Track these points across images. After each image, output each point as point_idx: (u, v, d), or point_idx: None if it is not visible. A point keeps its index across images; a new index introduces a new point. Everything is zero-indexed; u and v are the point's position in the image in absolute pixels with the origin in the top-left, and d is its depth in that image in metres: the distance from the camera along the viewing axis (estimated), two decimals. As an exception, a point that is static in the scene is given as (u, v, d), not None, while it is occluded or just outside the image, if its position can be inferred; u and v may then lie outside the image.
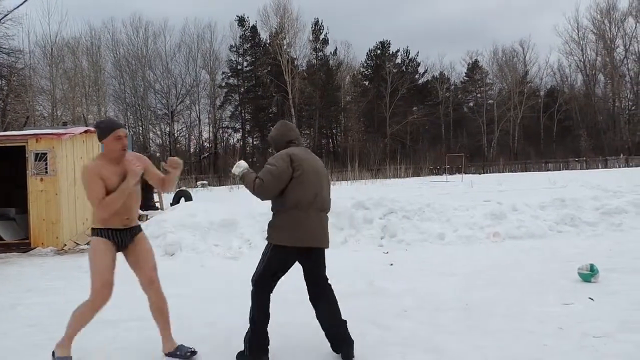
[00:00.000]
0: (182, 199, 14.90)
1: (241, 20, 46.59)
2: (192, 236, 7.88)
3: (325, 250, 3.67)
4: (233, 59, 46.84)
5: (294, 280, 3.82)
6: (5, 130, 26.51)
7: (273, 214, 3.42)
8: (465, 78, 53.00)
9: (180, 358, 3.50)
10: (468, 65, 52.04)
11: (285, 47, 43.99)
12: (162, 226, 8.15)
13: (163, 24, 45.30)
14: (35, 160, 9.02)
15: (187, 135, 46.56)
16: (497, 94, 50.21)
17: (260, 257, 3.52)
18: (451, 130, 48.90)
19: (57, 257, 8.34)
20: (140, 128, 43.09)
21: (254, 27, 46.95)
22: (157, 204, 15.36)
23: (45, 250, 8.77)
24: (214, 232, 8.04)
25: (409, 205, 8.81)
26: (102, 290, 3.37)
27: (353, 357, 3.43)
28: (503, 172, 34.94)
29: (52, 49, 36.25)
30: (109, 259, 3.36)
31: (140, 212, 13.19)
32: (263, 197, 3.36)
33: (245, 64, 47.54)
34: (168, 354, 3.53)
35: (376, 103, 46.66)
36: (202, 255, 7.43)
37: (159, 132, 45.27)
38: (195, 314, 4.61)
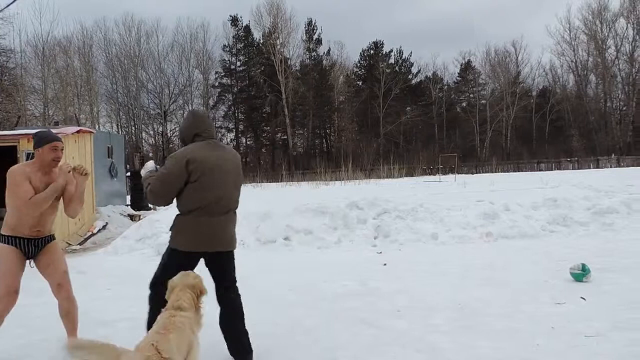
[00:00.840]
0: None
1: (234, 20, 46.50)
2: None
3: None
4: (226, 59, 46.77)
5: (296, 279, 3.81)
6: (-5, 130, 26.24)
7: (176, 216, 3.22)
8: (458, 78, 53.22)
9: None
10: (461, 65, 52.28)
11: (278, 47, 43.95)
12: (154, 226, 8.12)
13: (156, 24, 45.20)
14: (27, 160, 8.93)
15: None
16: (490, 94, 50.46)
17: (160, 259, 3.37)
18: (444, 131, 49.11)
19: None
20: (133, 128, 42.91)
21: (247, 27, 46.88)
22: (150, 205, 15.27)
23: (37, 251, 8.71)
24: (208, 233, 8.02)
25: (403, 206, 8.84)
26: (5, 298, 3.36)
27: None
28: (496, 172, 35.09)
29: (43, 49, 36.01)
30: (14, 265, 3.39)
31: (134, 212, 13.13)
32: (155, 204, 3.28)
33: (238, 63, 47.47)
34: None
35: (370, 103, 46.73)
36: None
37: (151, 132, 45.12)
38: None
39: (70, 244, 9.32)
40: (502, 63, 50.18)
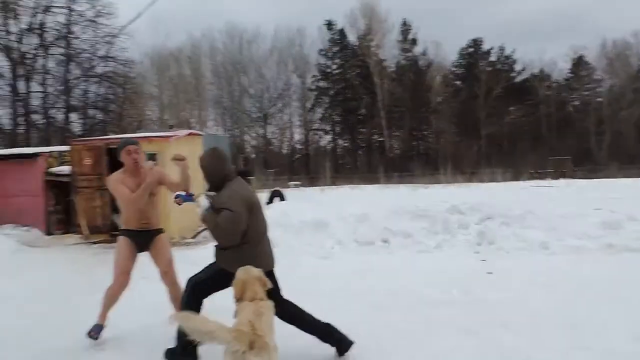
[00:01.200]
0: (277, 199, 15.45)
1: (329, 24, 47.22)
2: (285, 234, 8.14)
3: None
4: (322, 62, 47.64)
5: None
6: (121, 134, 29.38)
7: (232, 248, 3.47)
8: (569, 75, 48.91)
9: None
10: (572, 60, 47.96)
11: (373, 48, 43.83)
12: (258, 224, 8.52)
13: (256, 31, 47.40)
14: (147, 160, 9.87)
15: (279, 137, 48.26)
16: (608, 91, 45.70)
17: (209, 265, 3.69)
18: (554, 132, 45.40)
19: (165, 250, 9.07)
20: (237, 131, 45.44)
21: (342, 30, 47.37)
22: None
23: (155, 243, 9.58)
24: (307, 232, 8.23)
25: (509, 211, 8.34)
26: (119, 277, 4.02)
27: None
28: (616, 177, 31.68)
29: (159, 59, 39.54)
30: (127, 252, 4.03)
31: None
32: (228, 245, 3.47)
33: (334, 66, 48.12)
34: None
35: (469, 103, 44.77)
36: (295, 253, 7.65)
37: (254, 135, 47.41)
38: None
39: (185, 237, 10.12)
40: (621, 56, 45.19)
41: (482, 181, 28.46)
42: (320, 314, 4.53)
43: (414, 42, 47.02)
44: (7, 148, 27.10)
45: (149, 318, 4.43)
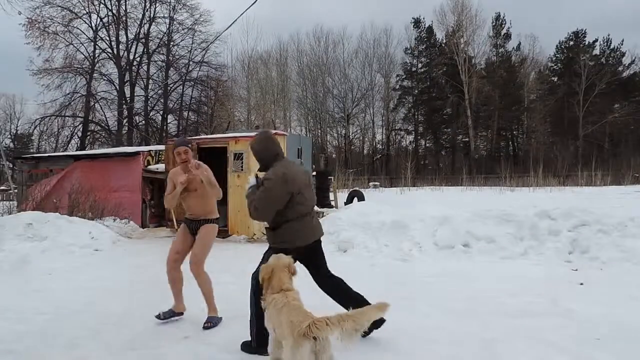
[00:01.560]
0: (355, 199, 15.47)
1: (417, 22, 46.28)
2: (364, 235, 8.14)
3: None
4: (408, 61, 46.82)
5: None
6: (212, 134, 31.15)
7: (274, 226, 3.72)
8: (687, 68, 43.55)
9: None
10: (694, 51, 42.64)
11: (462, 45, 42.22)
12: (336, 223, 8.60)
13: (342, 32, 47.82)
14: (234, 160, 10.38)
15: (361, 137, 48.25)
16: None
17: (262, 258, 3.78)
18: (666, 131, 40.71)
19: (248, 244, 9.47)
20: (319, 131, 46.16)
21: (429, 28, 46.19)
22: (332, 202, 16.23)
23: (239, 238, 10.03)
24: (385, 233, 8.16)
25: (607, 218, 7.63)
26: (169, 255, 4.58)
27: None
28: None
29: (248, 62, 41.30)
30: (181, 236, 4.66)
31: (317, 208, 14.14)
32: (260, 220, 3.79)
33: (419, 65, 47.11)
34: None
35: (567, 101, 41.52)
36: (373, 254, 7.62)
37: (335, 135, 47.87)
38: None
39: (265, 234, 10.51)
40: None
41: (577, 185, 26.32)
42: (396, 317, 4.49)
43: (507, 36, 44.65)
44: (112, 147, 29.99)
45: (229, 309, 4.65)
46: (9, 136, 44.65)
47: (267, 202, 3.59)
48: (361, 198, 15.58)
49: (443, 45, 45.03)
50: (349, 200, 15.63)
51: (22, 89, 62.94)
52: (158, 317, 4.45)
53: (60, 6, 33.40)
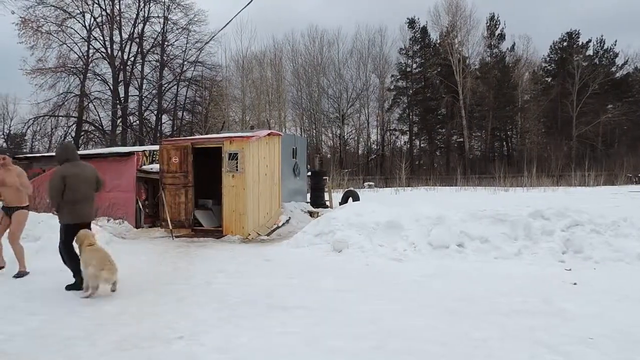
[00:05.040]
0: (350, 199, 15.48)
1: (411, 22, 46.43)
2: (358, 235, 8.14)
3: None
4: (402, 62, 46.98)
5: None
6: (206, 134, 31.06)
7: (59, 206, 5.69)
8: (681, 68, 43.93)
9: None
10: (686, 52, 42.97)
11: (456, 45, 42.40)
12: (331, 223, 8.60)
13: (337, 32, 47.86)
14: (229, 160, 10.35)
15: (356, 138, 48.31)
16: None
17: (59, 234, 5.78)
18: (659, 132, 41.01)
19: (243, 245, 9.45)
20: (314, 131, 46.16)
21: (424, 28, 46.35)
22: (327, 202, 16.23)
23: (234, 238, 10.00)
24: (380, 233, 8.17)
25: (600, 218, 7.68)
26: None
27: None
28: None
29: (243, 62, 41.21)
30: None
31: (312, 209, 14.16)
32: (53, 200, 5.69)
33: (414, 65, 47.26)
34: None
35: (560, 101, 41.80)
36: (368, 254, 7.63)
37: (330, 135, 47.90)
38: (353, 308, 4.73)
39: (259, 234, 10.48)
40: None
41: (571, 185, 26.47)
42: (390, 316, 4.50)
43: (501, 37, 44.90)
44: (106, 147, 29.80)
45: (221, 308, 4.61)
46: (2, 136, 44.43)
47: (51, 189, 5.64)
48: (356, 198, 15.59)
49: (437, 45, 45.22)
50: (344, 200, 15.64)
51: (15, 89, 62.72)
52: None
53: (53, 6, 33.20)
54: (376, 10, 60.83)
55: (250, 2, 11.36)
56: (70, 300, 5.21)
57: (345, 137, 46.82)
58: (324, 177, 17.21)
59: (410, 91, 47.11)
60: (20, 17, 30.74)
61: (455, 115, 43.18)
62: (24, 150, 38.03)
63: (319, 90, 44.95)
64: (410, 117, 47.33)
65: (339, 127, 45.92)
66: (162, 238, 10.19)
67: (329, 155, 45.01)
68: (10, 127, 44.45)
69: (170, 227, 10.42)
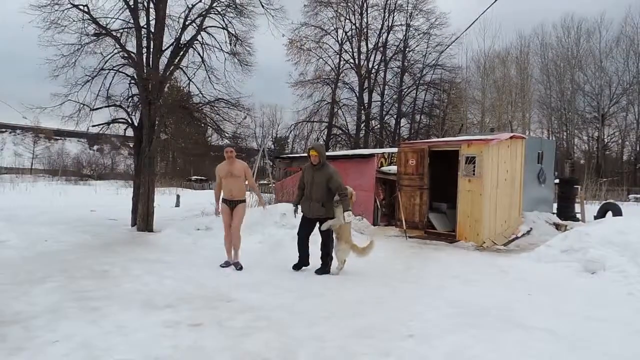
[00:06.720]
0: (609, 213, 13.23)
1: None
2: (619, 256, 6.87)
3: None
4: (692, 46, 37.37)
5: None
6: (443, 136, 31.00)
7: (327, 201, 6.62)
8: None
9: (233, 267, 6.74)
10: None
11: None
12: (583, 239, 7.49)
13: (599, 19, 41.14)
14: (465, 163, 10.08)
15: (619, 141, 40.77)
16: None
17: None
18: None
19: (477, 252, 9.07)
20: (565, 134, 40.94)
21: None
22: (578, 215, 14.27)
23: (467, 244, 9.70)
24: (650, 257, 6.70)
25: None
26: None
27: None
28: None
29: (484, 62, 39.42)
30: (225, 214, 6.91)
31: (560, 221, 12.60)
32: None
33: None
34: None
35: None
36: (631, 280, 6.36)
37: (585, 138, 41.68)
38: (610, 343, 3.99)
39: (495, 243, 9.89)
40: None
41: None
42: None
43: None
44: (350, 149, 32.70)
45: (454, 313, 4.52)
46: (271, 139, 54.28)
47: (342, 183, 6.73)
48: (617, 212, 13.19)
49: None
50: (601, 214, 13.45)
51: (282, 100, 76.64)
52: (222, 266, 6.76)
53: (314, 25, 38.28)
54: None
55: (495, 1, 10.77)
56: (316, 284, 5.92)
57: (605, 140, 39.98)
58: (575, 186, 15.17)
59: None
60: (289, 39, 36.40)
61: None
62: (286, 151, 44.95)
63: (573, 87, 39.61)
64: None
65: (597, 128, 39.53)
66: (396, 237, 10.61)
67: (582, 161, 39.22)
68: (277, 131, 54.59)
69: (404, 227, 10.76)
